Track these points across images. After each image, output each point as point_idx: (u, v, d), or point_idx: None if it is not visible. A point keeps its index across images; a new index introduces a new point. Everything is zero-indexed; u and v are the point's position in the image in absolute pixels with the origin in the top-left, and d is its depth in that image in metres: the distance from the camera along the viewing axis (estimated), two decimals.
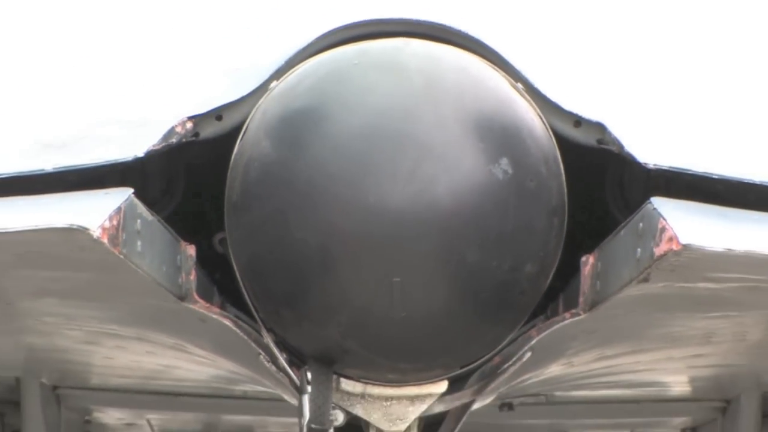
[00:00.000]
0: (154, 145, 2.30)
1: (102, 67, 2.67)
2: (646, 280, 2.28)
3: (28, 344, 2.76)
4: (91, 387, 3.05)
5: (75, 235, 2.19)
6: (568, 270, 2.35)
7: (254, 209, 2.32)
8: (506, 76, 2.37)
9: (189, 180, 2.37)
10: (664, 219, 2.21)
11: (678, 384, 2.94)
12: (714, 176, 2.37)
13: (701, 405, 3.12)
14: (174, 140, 2.32)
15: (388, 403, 2.44)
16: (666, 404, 3.12)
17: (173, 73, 2.48)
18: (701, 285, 2.39)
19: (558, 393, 2.94)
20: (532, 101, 2.35)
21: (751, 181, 2.44)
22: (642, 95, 2.53)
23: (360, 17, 2.47)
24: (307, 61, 2.39)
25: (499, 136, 2.34)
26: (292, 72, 2.37)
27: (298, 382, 2.35)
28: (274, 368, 2.34)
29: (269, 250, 2.36)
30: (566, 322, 2.33)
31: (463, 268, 2.41)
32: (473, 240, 2.38)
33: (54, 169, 2.37)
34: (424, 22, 2.41)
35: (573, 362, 2.54)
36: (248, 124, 2.34)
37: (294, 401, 2.35)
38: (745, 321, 2.58)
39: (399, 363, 2.36)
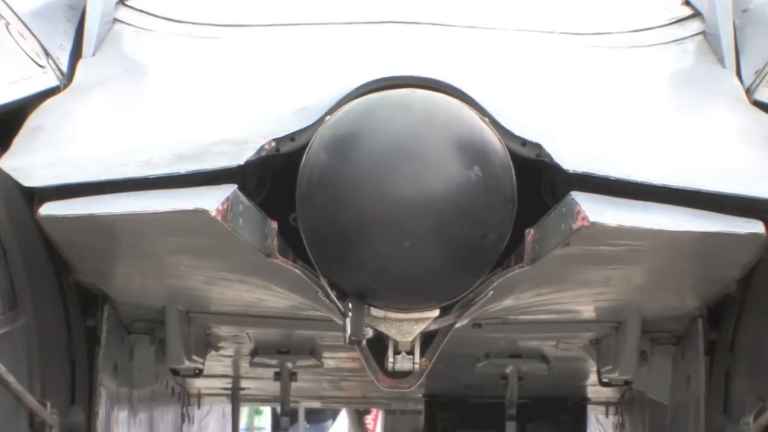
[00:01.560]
0: (250, 157, 2.77)
1: (216, 103, 3.06)
2: (567, 244, 2.79)
3: (169, 284, 3.13)
4: (210, 312, 3.41)
5: (201, 214, 2.72)
6: (517, 238, 2.79)
7: (315, 198, 2.77)
8: (477, 113, 2.81)
9: (273, 179, 2.78)
10: (579, 205, 2.71)
11: (588, 311, 3.32)
12: (611, 177, 2.82)
13: (603, 324, 3.44)
14: (263, 154, 2.78)
15: (401, 323, 2.89)
16: (580, 324, 3.47)
17: (264, 109, 2.88)
18: (602, 248, 2.88)
19: (510, 317, 3.29)
20: (494, 129, 2.79)
21: (635, 180, 2.85)
22: (567, 124, 2.93)
23: (383, 74, 2.84)
24: (349, 103, 2.81)
25: (472, 152, 2.76)
26: (340, 110, 2.80)
27: (342, 309, 2.81)
28: (327, 301, 2.78)
29: (324, 224, 2.78)
30: (516, 271, 2.80)
31: (449, 236, 2.75)
32: (456, 218, 2.75)
33: (186, 171, 2.83)
34: (424, 78, 2.84)
35: (520, 297, 2.95)
36: (311, 144, 2.78)
37: (340, 322, 2.80)
38: (630, 271, 3.00)
39: (408, 297, 2.83)
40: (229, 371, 4.31)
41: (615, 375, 3.56)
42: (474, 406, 4.33)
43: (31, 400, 2.97)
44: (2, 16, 3.18)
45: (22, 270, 3.03)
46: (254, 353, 3.87)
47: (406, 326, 2.93)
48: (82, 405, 3.20)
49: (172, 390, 4.25)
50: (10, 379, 2.83)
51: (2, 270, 2.96)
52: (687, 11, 3.46)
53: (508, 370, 3.99)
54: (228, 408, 5.19)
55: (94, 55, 3.27)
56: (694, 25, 3.38)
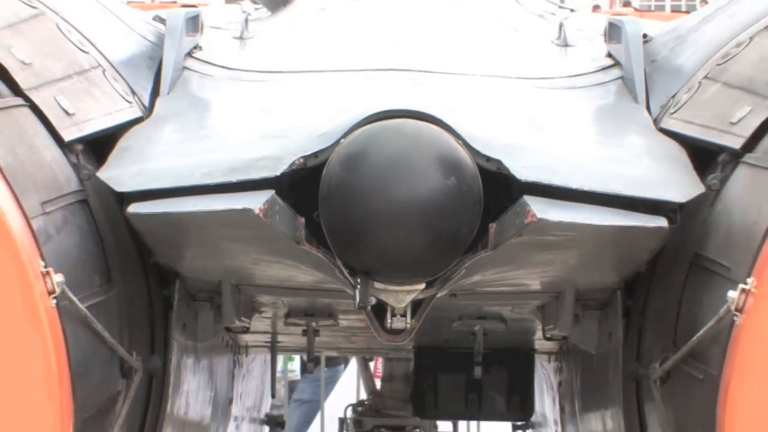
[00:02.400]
0: (284, 170, 2.77)
1: (258, 130, 3.03)
2: (520, 235, 2.77)
3: (224, 264, 3.10)
4: (255, 285, 3.31)
5: (248, 212, 2.73)
6: (483, 230, 2.77)
7: (332, 200, 2.76)
8: (453, 137, 2.79)
9: (302, 186, 2.76)
10: (529, 206, 2.72)
11: (535, 285, 3.27)
12: (553, 185, 2.79)
13: (546, 294, 3.37)
14: (294, 167, 2.77)
15: (396, 293, 2.88)
16: (529, 294, 3.41)
17: (294, 134, 2.86)
18: (546, 238, 2.85)
19: (477, 289, 3.25)
20: (466, 149, 2.78)
21: (571, 187, 2.83)
22: (521, 145, 2.89)
23: (383, 108, 2.82)
24: (358, 129, 2.79)
25: (449, 166, 2.74)
26: (351, 135, 2.78)
27: (353, 283, 2.80)
28: (342, 277, 2.76)
29: (339, 220, 2.77)
30: (482, 255, 2.77)
31: (432, 229, 2.74)
32: (437, 216, 2.74)
33: (237, 180, 2.81)
34: (414, 111, 2.81)
35: (485, 274, 2.92)
36: (330, 160, 2.76)
37: (351, 293, 2.80)
38: (567, 255, 2.97)
39: (402, 274, 2.82)
40: (269, 329, 4.28)
41: (555, 332, 3.54)
42: (450, 354, 4.31)
43: (122, 351, 2.98)
44: (100, 65, 3.15)
45: (114, 254, 3.04)
46: (287, 315, 3.84)
47: (400, 296, 2.92)
48: (159, 354, 3.21)
49: (226, 343, 4.21)
50: (106, 335, 2.85)
51: (100, 254, 2.98)
52: (609, 61, 3.43)
53: (476, 328, 3.94)
54: (268, 356, 5.16)
55: (168, 94, 3.25)
56: (615, 72, 3.35)
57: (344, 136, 2.83)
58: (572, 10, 4.74)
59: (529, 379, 4.42)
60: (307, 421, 10.83)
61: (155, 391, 3.26)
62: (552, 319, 3.54)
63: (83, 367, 2.71)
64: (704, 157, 3.02)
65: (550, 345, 4.24)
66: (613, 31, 3.48)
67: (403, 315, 3.02)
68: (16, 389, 2.52)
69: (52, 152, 2.93)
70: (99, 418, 2.90)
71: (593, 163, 3.01)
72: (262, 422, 5.50)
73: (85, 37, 3.22)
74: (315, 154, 2.83)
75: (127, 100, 3.18)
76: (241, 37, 3.72)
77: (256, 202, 2.77)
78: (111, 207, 2.96)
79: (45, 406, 2.52)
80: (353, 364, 8.23)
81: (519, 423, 5.01)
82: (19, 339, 2.52)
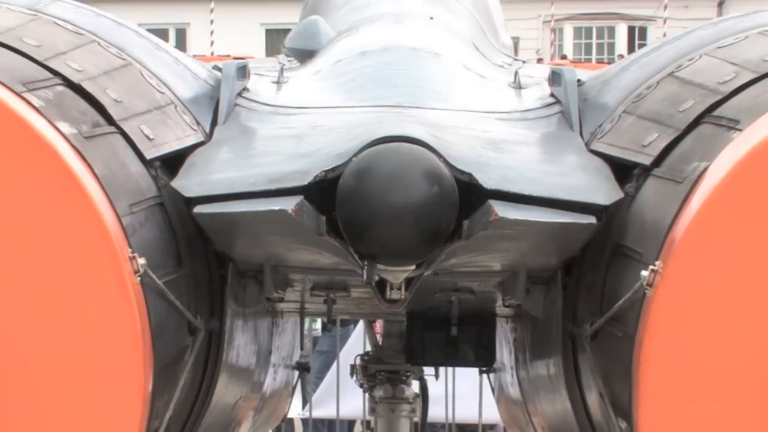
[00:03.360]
0: (310, 181, 2.74)
1: (291, 151, 2.99)
2: (486, 229, 2.74)
3: (264, 250, 3.05)
4: (288, 266, 3.25)
5: (283, 212, 2.71)
6: (458, 226, 2.74)
7: (346, 203, 2.73)
8: (437, 156, 2.77)
9: (323, 192, 2.73)
10: (493, 207, 2.70)
11: (496, 266, 3.23)
12: (511, 192, 2.78)
13: (505, 273, 3.30)
14: (317, 178, 2.75)
15: (394, 273, 2.86)
16: (492, 273, 3.36)
17: (318, 155, 2.82)
18: (506, 231, 2.82)
19: (454, 269, 3.19)
20: (446, 165, 2.75)
21: (525, 193, 2.81)
22: (488, 162, 2.87)
23: (384, 134, 2.81)
24: (365, 150, 2.77)
25: (433, 178, 2.71)
26: (360, 154, 2.76)
27: (362, 265, 2.76)
28: (353, 260, 2.73)
29: (351, 218, 2.74)
30: (457, 244, 2.73)
31: (420, 224, 2.72)
32: (424, 214, 2.72)
33: (275, 188, 2.79)
34: (408, 136, 2.79)
35: (459, 258, 2.88)
36: (344, 173, 2.73)
37: (360, 272, 2.76)
38: (521, 244, 2.93)
39: (398, 259, 2.79)
40: (298, 298, 4.18)
41: (512, 301, 3.47)
42: (433, 317, 4.23)
43: (189, 315, 2.96)
44: (173, 102, 3.14)
45: (183, 243, 3.02)
46: (312, 288, 3.77)
47: (396, 274, 2.90)
48: (217, 318, 3.16)
49: (266, 309, 4.13)
50: (177, 303, 2.83)
51: (172, 243, 2.95)
52: (552, 100, 3.37)
53: (452, 298, 3.87)
54: (297, 319, 5.14)
55: (223, 124, 3.22)
56: (556, 108, 3.29)
57: (355, 155, 2.80)
58: (524, 62, 4.76)
59: (492, 336, 4.35)
60: (326, 366, 11.03)
61: (214, 346, 3.23)
62: (509, 292, 3.51)
63: (160, 327, 2.71)
64: (623, 171, 2.99)
65: (507, 311, 4.19)
66: (554, 78, 3.43)
67: (399, 288, 3.00)
68: (110, 345, 2.51)
69: (137, 168, 2.93)
70: (172, 366, 2.89)
71: (540, 175, 2.98)
72: (293, 368, 5.45)
73: (162, 81, 3.21)
74: (333, 169, 2.79)
75: (193, 129, 3.15)
76: (278, 82, 3.69)
77: (289, 204, 2.76)
78: (181, 208, 2.93)
79: (132, 357, 2.52)
80: (361, 324, 8.23)
81: (484, 369, 4.99)
82: (113, 307, 2.51)
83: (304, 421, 11.66)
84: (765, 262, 2.28)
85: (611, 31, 24.59)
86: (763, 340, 2.28)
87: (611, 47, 25.39)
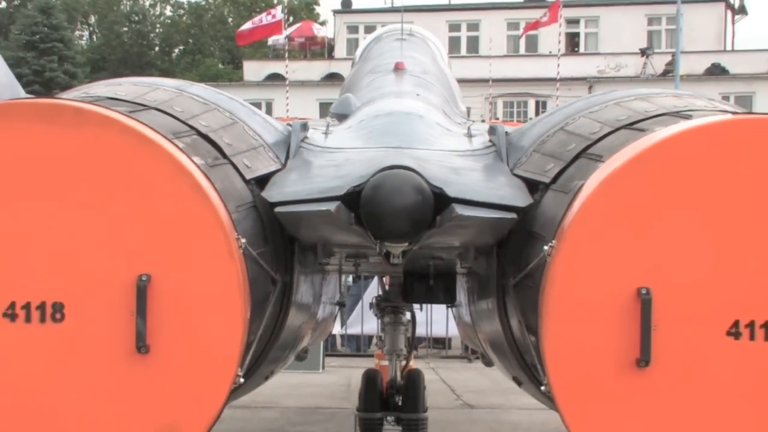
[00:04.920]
0: (344, 192, 2.66)
1: (331, 175, 2.87)
2: (450, 221, 2.66)
3: (317, 234, 2.97)
4: (332, 243, 3.09)
5: (328, 211, 2.64)
6: (433, 220, 2.64)
7: (366, 206, 2.64)
8: (421, 177, 2.68)
9: (352, 199, 2.61)
10: (454, 208, 2.63)
11: (456, 244, 3.04)
12: (466, 198, 2.68)
13: (462, 248, 3.06)
14: (348, 191, 2.66)
15: (395, 247, 2.78)
16: (453, 248, 3.13)
17: (347, 177, 2.70)
18: (462, 223, 2.74)
19: (431, 245, 3.04)
20: (426, 182, 2.66)
21: (474, 200, 2.72)
22: (451, 180, 2.74)
23: (389, 164, 2.71)
24: (378, 174, 2.69)
25: (418, 191, 2.63)
26: (375, 176, 2.68)
27: (376, 243, 2.67)
28: (371, 240, 2.62)
29: (369, 215, 2.64)
30: (433, 231, 2.64)
31: (411, 219, 2.62)
32: (413, 212, 2.62)
33: (323, 196, 2.71)
34: (403, 165, 2.69)
35: (434, 239, 2.75)
36: (366, 187, 2.65)
37: (375, 248, 2.68)
38: (471, 231, 2.81)
39: (398, 239, 2.69)
40: (338, 262, 4.05)
41: (466, 265, 3.38)
42: (419, 274, 4.10)
43: (271, 272, 2.89)
44: (262, 145, 3.04)
45: (268, 230, 2.93)
46: (346, 256, 3.67)
47: (397, 249, 2.81)
48: (288, 274, 3.06)
49: (319, 269, 3.96)
50: (264, 264, 2.77)
51: (261, 230, 2.86)
52: (490, 144, 3.26)
53: (430, 263, 3.78)
54: (337, 275, 4.87)
55: (292, 159, 3.10)
56: (493, 149, 3.16)
57: (372, 177, 2.73)
58: (473, 121, 4.67)
59: (454, 286, 4.19)
60: (355, 303, 10.95)
61: (287, 291, 3.12)
62: (464, 259, 3.42)
63: (253, 281, 2.62)
64: (533, 186, 2.90)
65: (463, 270, 4.01)
66: (491, 131, 3.31)
67: (398, 257, 2.92)
68: (225, 288, 2.38)
69: (240, 184, 2.85)
70: (261, 303, 2.79)
71: (483, 189, 2.89)
72: (335, 304, 5.19)
73: (256, 132, 3.10)
74: (358, 185, 2.71)
75: (274, 161, 3.05)
76: (325, 133, 3.55)
77: (331, 206, 2.67)
78: (267, 209, 2.82)
79: (237, 297, 2.40)
80: (375, 278, 8.18)
81: (449, 305, 4.76)
82: (227, 266, 2.40)
83: (342, 337, 11.80)
84: (617, 238, 2.19)
85: (525, 103, 25.21)
86: (617, 283, 2.19)
87: (526, 113, 25.82)
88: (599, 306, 2.14)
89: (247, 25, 18.68)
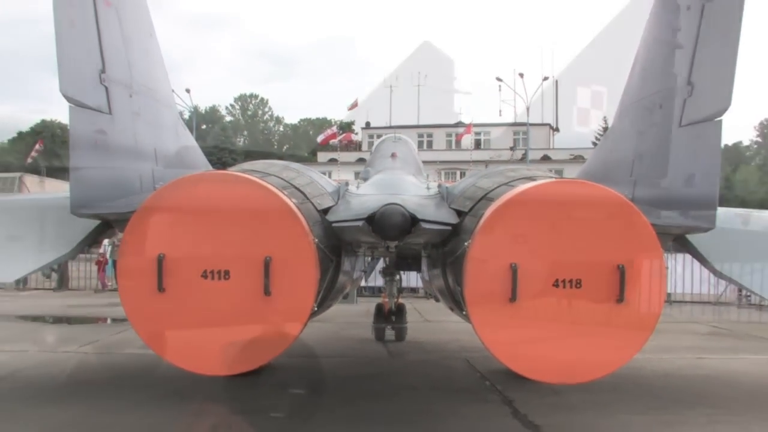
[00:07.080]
0: (366, 215, 2.56)
1: (359, 204, 2.73)
2: (418, 231, 2.59)
3: (352, 236, 2.78)
4: (359, 241, 2.92)
5: (358, 225, 2.60)
6: (411, 230, 2.56)
7: (376, 224, 2.55)
8: (405, 209, 2.57)
9: (369, 219, 2.48)
10: (422, 225, 2.59)
11: (422, 242, 2.90)
12: (428, 220, 2.60)
13: (427, 245, 3.02)
14: (367, 214, 2.56)
15: (392, 244, 2.75)
16: (420, 244, 3.01)
17: (366, 206, 2.57)
18: (426, 232, 2.67)
19: (409, 243, 2.84)
20: (407, 211, 2.55)
21: (435, 220, 2.66)
22: (425, 209, 2.60)
23: (388, 201, 2.59)
24: (382, 207, 2.59)
25: (403, 215, 2.47)
26: (380, 208, 2.57)
27: (382, 242, 2.61)
28: (380, 241, 2.50)
29: (378, 228, 2.57)
30: (411, 235, 2.55)
31: (399, 229, 2.51)
32: (400, 226, 2.55)
33: (356, 217, 2.63)
34: (396, 203, 2.61)
35: (410, 239, 2.60)
36: (376, 213, 2.54)
37: (382, 244, 2.60)
38: (434, 234, 2.66)
39: (393, 240, 2.62)
40: (362, 251, 3.81)
41: (429, 252, 3.21)
42: (406, 256, 3.91)
43: (330, 255, 2.76)
44: (322, 193, 2.90)
45: (330, 234, 2.81)
46: (366, 248, 3.44)
47: (392, 244, 2.79)
48: (339, 257, 2.87)
49: (354, 254, 3.67)
50: (326, 252, 2.67)
51: (325, 233, 2.76)
52: (438, 191, 3.04)
53: (409, 251, 3.58)
54: (363, 256, 4.59)
55: (340, 198, 2.94)
56: (440, 195, 2.96)
57: (380, 208, 2.71)
58: (430, 181, 4.39)
59: (419, 262, 3.96)
60: (371, 270, 10.33)
61: (337, 266, 3.02)
62: (425, 249, 3.37)
63: (321, 261, 2.55)
64: (460, 213, 2.85)
65: (425, 254, 3.78)
66: (439, 186, 3.22)
67: (393, 248, 2.95)
68: (305, 265, 2.33)
69: (314, 212, 2.80)
70: (324, 272, 2.70)
71: (435, 214, 2.84)
72: (362, 271, 4.91)
73: (322, 185, 3.05)
74: (372, 212, 2.69)
75: (332, 200, 2.99)
76: (357, 186, 3.42)
77: (359, 223, 2.66)
78: (328, 224, 2.77)
79: (312, 269, 2.35)
80: (382, 259, 8.03)
81: (418, 272, 4.43)
82: (307, 253, 2.36)
83: (364, 287, 11.33)
84: (500, 239, 2.13)
85: (455, 173, 25.65)
86: (500, 260, 2.12)
87: (456, 177, 26.25)
88: (492, 272, 2.14)
89: (320, 136, 21.04)
